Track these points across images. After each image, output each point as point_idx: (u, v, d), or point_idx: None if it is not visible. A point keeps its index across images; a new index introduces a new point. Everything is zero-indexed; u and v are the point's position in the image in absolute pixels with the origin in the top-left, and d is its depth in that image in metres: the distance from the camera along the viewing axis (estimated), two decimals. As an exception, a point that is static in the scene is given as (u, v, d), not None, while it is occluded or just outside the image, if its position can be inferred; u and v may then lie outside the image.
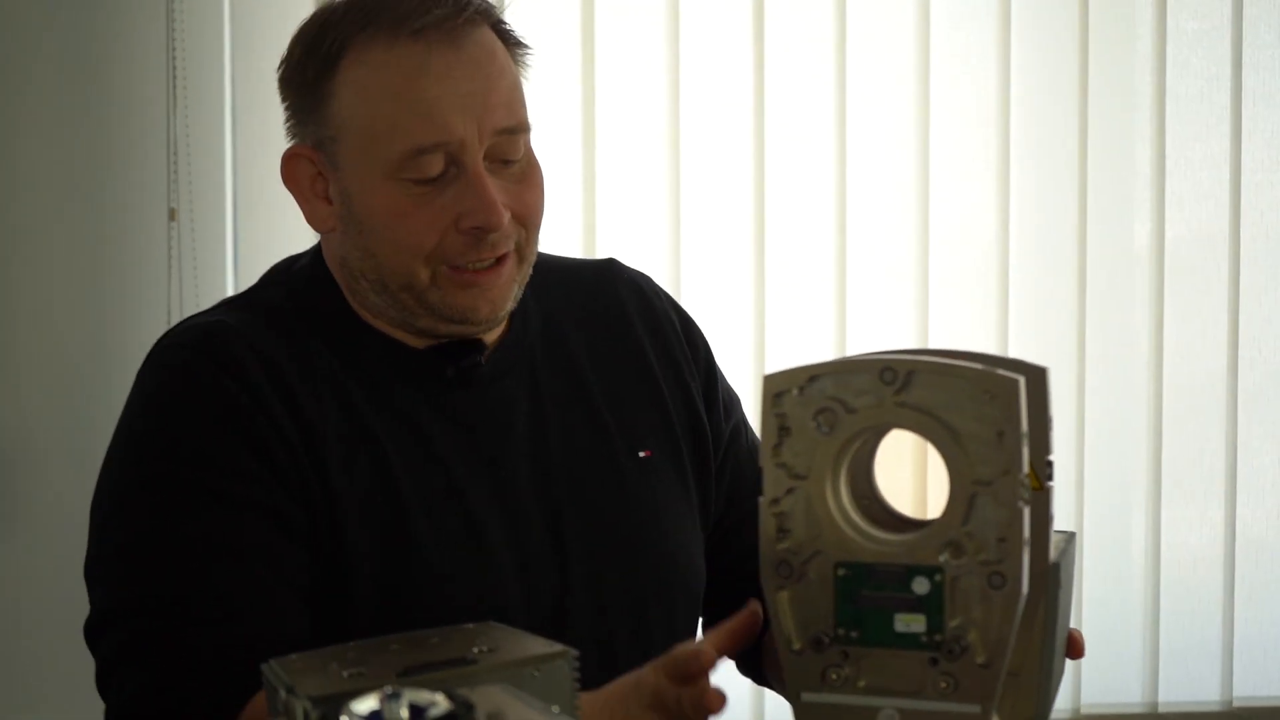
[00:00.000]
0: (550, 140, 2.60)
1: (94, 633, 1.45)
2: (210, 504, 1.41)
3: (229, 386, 1.43)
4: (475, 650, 1.14)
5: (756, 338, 2.87)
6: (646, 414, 1.61)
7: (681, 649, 1.23)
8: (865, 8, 2.89)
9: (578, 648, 1.15)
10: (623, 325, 1.65)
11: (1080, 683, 2.95)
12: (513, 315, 1.58)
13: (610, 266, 1.70)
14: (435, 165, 1.45)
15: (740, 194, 2.88)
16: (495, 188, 1.46)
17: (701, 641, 1.25)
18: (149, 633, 1.39)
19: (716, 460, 1.66)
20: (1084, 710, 2.98)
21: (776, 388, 1.18)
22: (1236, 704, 3.03)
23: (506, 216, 1.46)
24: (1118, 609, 2.99)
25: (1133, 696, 3.00)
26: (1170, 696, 3.01)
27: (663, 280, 2.70)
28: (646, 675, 1.26)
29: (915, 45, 2.89)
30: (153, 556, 1.41)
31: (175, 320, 2.63)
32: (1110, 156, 2.94)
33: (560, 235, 2.69)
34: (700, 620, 1.72)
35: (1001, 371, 1.14)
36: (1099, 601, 2.97)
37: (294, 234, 2.64)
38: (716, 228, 2.87)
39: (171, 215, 2.67)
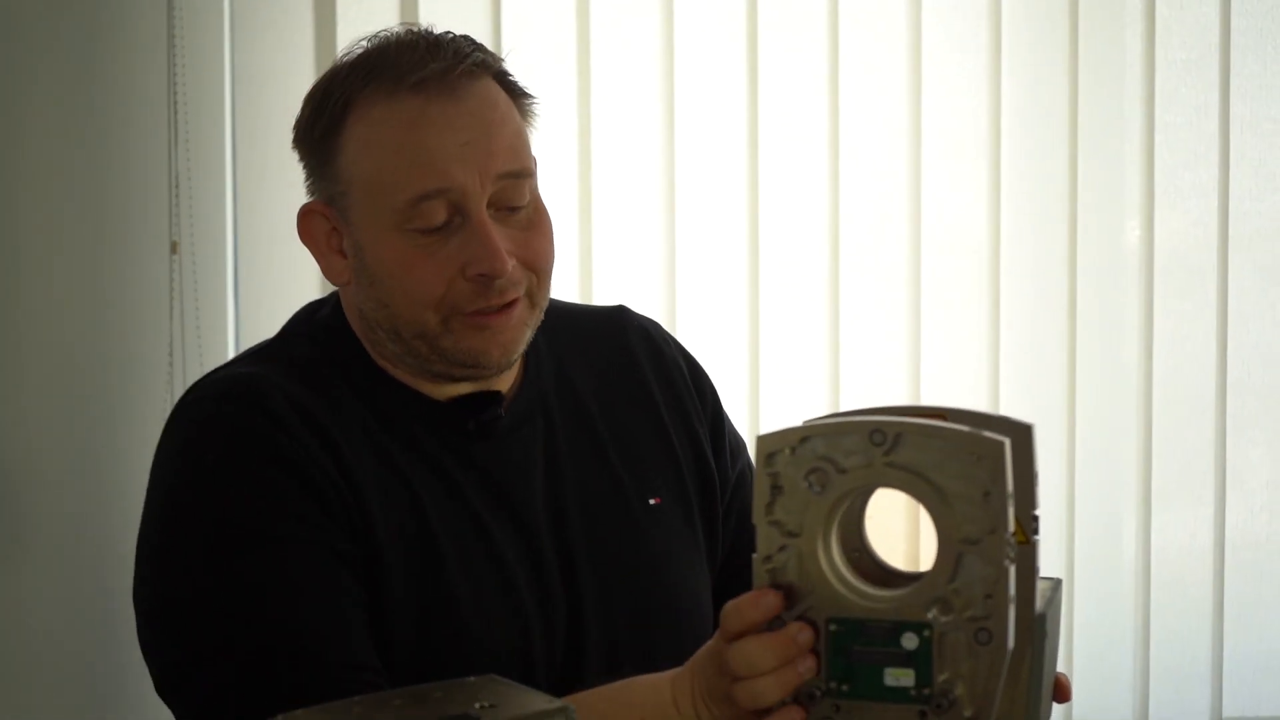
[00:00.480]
0: (544, 169, 2.62)
1: (174, 683, 1.46)
2: (278, 546, 1.43)
3: (275, 435, 1.45)
4: (478, 705, 1.16)
5: (751, 361, 2.90)
6: (657, 462, 1.64)
7: (729, 604, 1.22)
8: (857, 38, 2.91)
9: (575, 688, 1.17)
10: (633, 372, 1.68)
11: (1071, 701, 2.96)
12: (526, 362, 1.61)
13: (620, 314, 1.73)
14: (438, 214, 1.47)
15: (735, 210, 2.90)
16: (501, 235, 1.48)
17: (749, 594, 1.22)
18: (240, 679, 1.41)
19: (723, 505, 1.69)
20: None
21: (769, 448, 1.21)
22: (1226, 723, 3.06)
23: (511, 263, 1.48)
24: (1108, 629, 3.01)
25: (1124, 716, 3.02)
26: (1161, 714, 3.04)
27: (657, 309, 2.76)
28: (712, 642, 1.27)
29: (907, 80, 2.91)
30: (230, 602, 1.42)
31: (177, 353, 2.67)
32: (1100, 185, 2.96)
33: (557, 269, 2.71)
34: None
35: (988, 434, 1.17)
36: (1089, 622, 3.00)
37: (296, 268, 2.68)
38: (711, 258, 2.90)
39: (173, 248, 2.69)
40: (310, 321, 1.61)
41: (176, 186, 2.69)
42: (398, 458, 1.51)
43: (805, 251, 2.92)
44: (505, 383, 1.59)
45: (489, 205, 1.49)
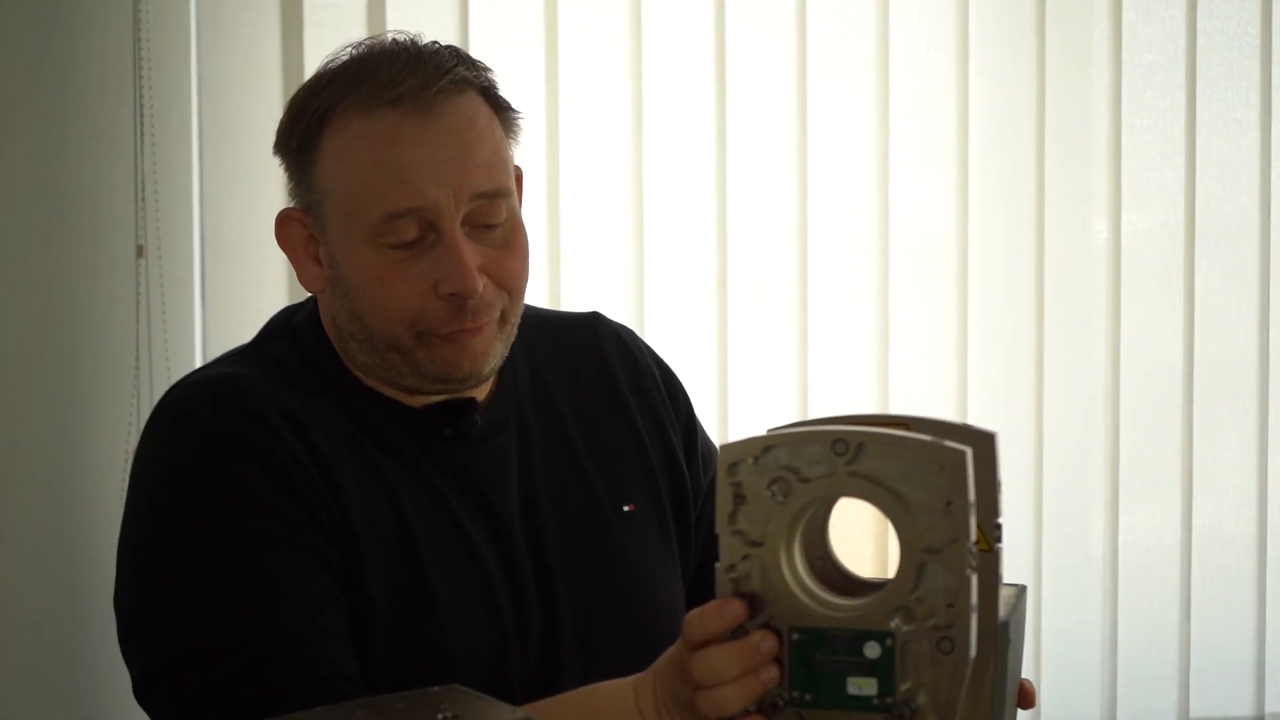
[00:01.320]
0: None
1: (152, 684, 1.45)
2: (259, 548, 1.43)
3: (256, 435, 1.45)
4: (440, 717, 1.16)
5: (719, 366, 2.90)
6: (631, 468, 1.65)
7: (692, 612, 1.22)
8: (825, 39, 2.91)
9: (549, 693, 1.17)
10: (607, 379, 1.68)
11: (1040, 705, 2.98)
12: (502, 369, 1.60)
13: (595, 320, 1.73)
14: (410, 230, 1.47)
15: (702, 213, 2.91)
16: (475, 253, 1.48)
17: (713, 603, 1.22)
18: (216, 681, 1.40)
19: (695, 511, 1.69)
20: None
21: (732, 457, 1.21)
22: (1193, 722, 3.07)
23: (483, 283, 1.48)
24: (1076, 629, 3.02)
25: (1092, 716, 3.03)
26: (1128, 716, 3.05)
27: (625, 314, 2.76)
28: (674, 648, 1.27)
29: (875, 81, 2.92)
30: (208, 604, 1.42)
31: (143, 357, 2.66)
32: (1067, 186, 2.98)
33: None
34: None
35: (949, 443, 1.18)
36: (1056, 622, 3.01)
37: (263, 271, 2.67)
38: (678, 258, 2.90)
39: (139, 252, 2.67)
40: (288, 325, 1.61)
41: (143, 190, 2.68)
42: (378, 460, 1.51)
43: (772, 254, 2.93)
44: (481, 391, 1.59)
45: (464, 223, 1.48)
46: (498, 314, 1.52)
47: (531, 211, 2.73)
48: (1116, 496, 3.02)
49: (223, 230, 2.74)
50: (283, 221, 1.55)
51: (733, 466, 1.21)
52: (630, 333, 1.75)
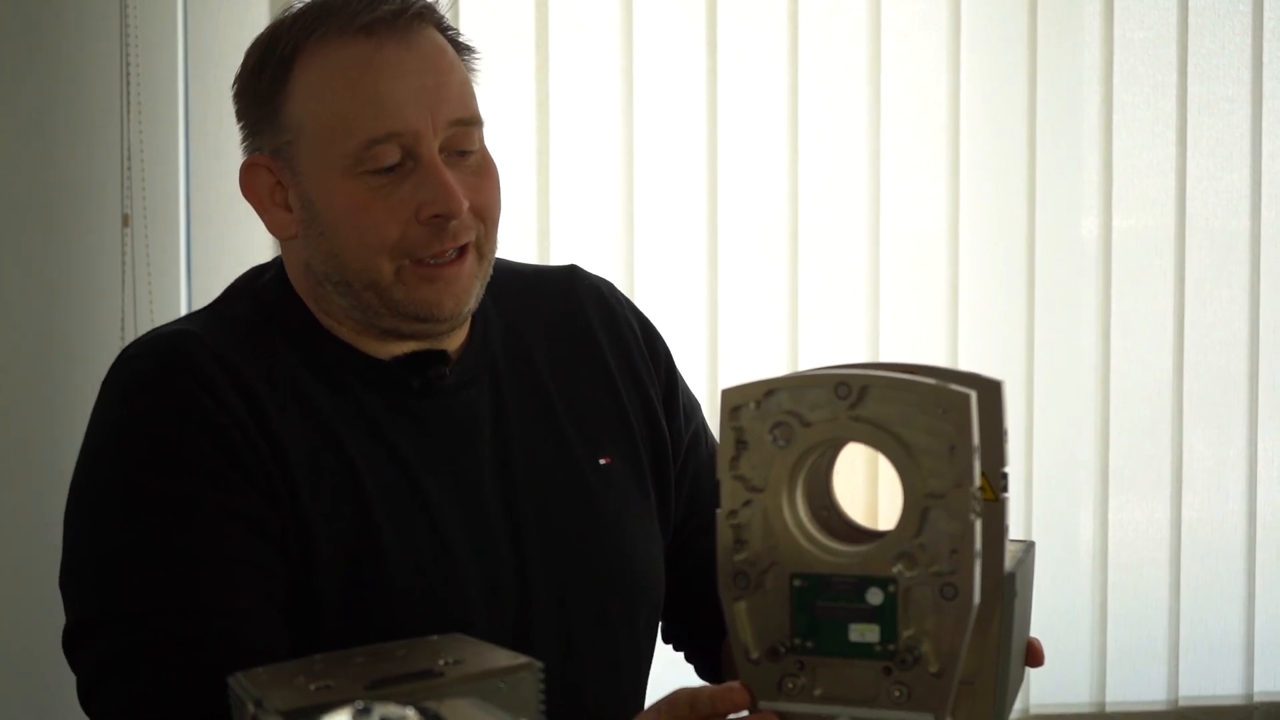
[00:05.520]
0: (506, 145, 2.63)
1: (73, 644, 1.43)
2: (190, 511, 1.41)
3: (198, 395, 1.43)
4: (442, 663, 1.15)
5: (710, 339, 2.88)
6: (607, 422, 1.62)
7: (688, 689, 1.23)
8: (817, 13, 2.90)
9: (541, 658, 1.15)
10: (584, 332, 1.66)
11: (1029, 683, 2.98)
12: (474, 323, 1.58)
13: (572, 273, 1.71)
14: (391, 155, 1.45)
15: (693, 193, 2.89)
16: (453, 178, 1.47)
17: (703, 688, 1.23)
18: (134, 645, 1.38)
19: (676, 467, 1.67)
20: (1033, 710, 3.00)
21: (734, 402, 1.20)
22: (1182, 703, 3.06)
23: (466, 204, 1.47)
24: (1066, 610, 3.01)
25: (1081, 697, 3.02)
26: (1117, 697, 3.04)
27: (615, 270, 2.74)
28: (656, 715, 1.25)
29: (866, 56, 2.91)
30: (134, 565, 1.40)
31: (129, 326, 2.64)
32: (1058, 164, 2.97)
33: (516, 241, 2.70)
34: (663, 626, 1.73)
35: (954, 386, 1.16)
36: (1046, 603, 2.99)
37: (249, 239, 2.65)
38: (670, 233, 2.89)
39: (125, 221, 2.66)
40: (252, 284, 1.58)
41: (128, 159, 2.66)
42: (332, 418, 1.49)
43: (762, 251, 2.92)
44: (452, 343, 1.57)
45: (440, 150, 1.47)
46: (474, 243, 1.50)
47: (520, 169, 2.72)
48: (1106, 488, 3.01)
49: (209, 199, 2.72)
50: (248, 170, 1.52)
51: (734, 411, 1.20)
52: (609, 285, 1.73)
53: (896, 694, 1.17)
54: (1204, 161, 2.99)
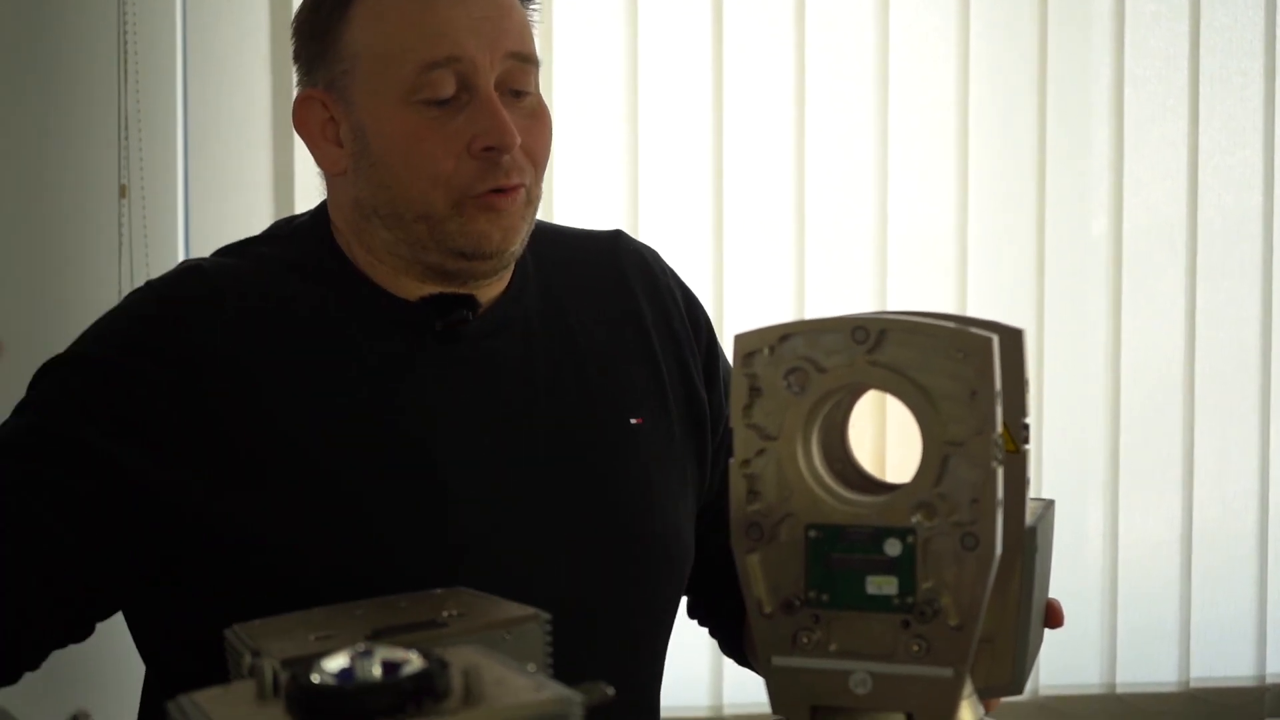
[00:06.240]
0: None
1: None
2: (28, 449, 1.39)
3: (124, 359, 1.42)
4: (445, 614, 1.12)
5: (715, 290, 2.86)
6: (642, 385, 1.60)
7: None
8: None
9: (554, 621, 1.13)
10: (623, 295, 1.64)
11: (1039, 665, 2.94)
12: (511, 278, 1.57)
13: (616, 238, 1.70)
14: (447, 85, 1.44)
15: (702, 187, 2.86)
16: (507, 115, 1.46)
17: None
18: None
19: (715, 440, 1.64)
20: (1043, 692, 2.97)
21: (747, 347, 1.16)
22: (1194, 685, 3.03)
23: (519, 140, 1.46)
24: (1076, 592, 2.98)
25: (1091, 679, 2.99)
26: (1128, 678, 3.01)
27: (620, 222, 2.70)
28: None
29: (875, 31, 2.88)
30: None
31: (126, 298, 2.60)
32: (1067, 140, 2.94)
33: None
34: (687, 602, 1.69)
35: (975, 330, 1.13)
36: (1057, 584, 2.96)
37: (249, 209, 2.62)
38: (674, 226, 2.85)
39: (122, 192, 2.63)
40: (288, 226, 1.59)
41: (126, 129, 2.63)
42: (333, 356, 1.47)
43: (769, 255, 2.88)
44: (487, 292, 1.54)
45: (496, 87, 1.46)
46: (525, 186, 1.49)
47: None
48: (1117, 485, 2.98)
49: (207, 170, 2.69)
50: (302, 104, 1.52)
51: (748, 357, 1.16)
52: (653, 253, 1.71)
53: (915, 648, 1.13)
54: (1216, 136, 2.96)
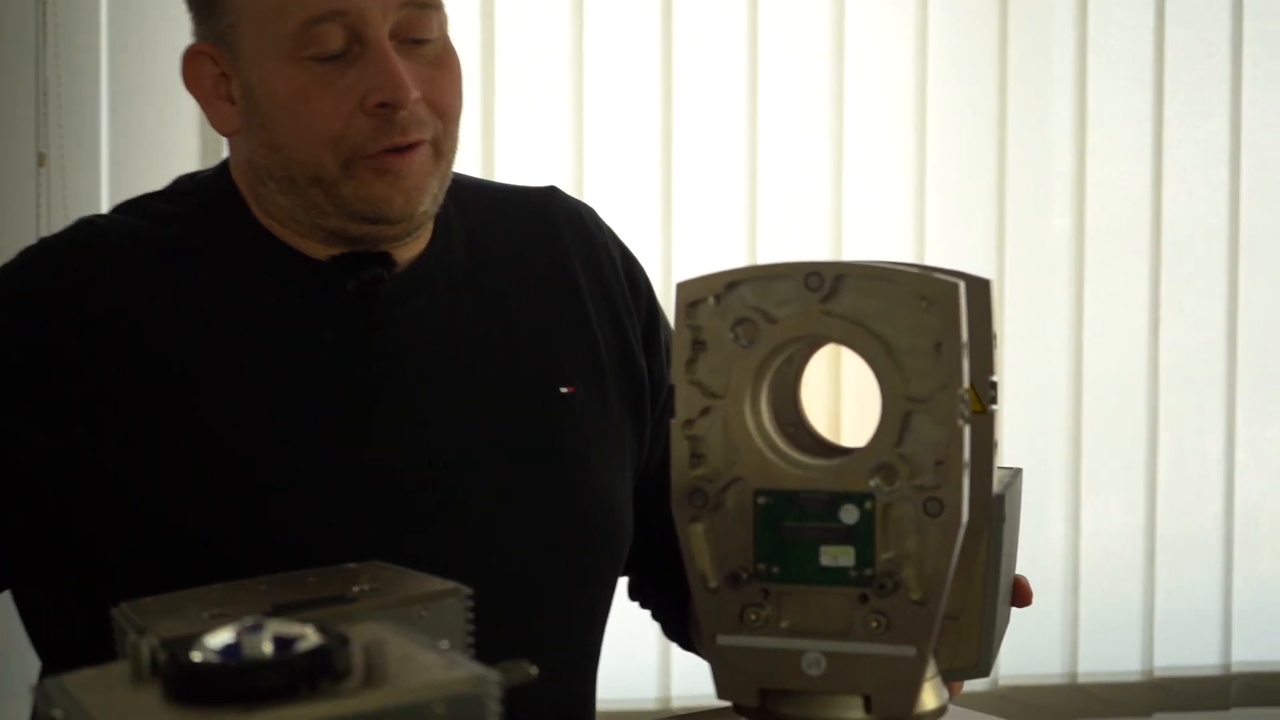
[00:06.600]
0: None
1: None
2: None
3: (35, 303, 1.36)
4: (356, 589, 1.03)
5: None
6: (574, 350, 1.51)
7: None
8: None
9: (479, 604, 1.03)
10: (556, 255, 1.54)
11: (999, 658, 2.86)
12: (433, 235, 1.48)
13: (550, 194, 1.60)
14: (334, 38, 1.34)
15: (650, 153, 2.79)
16: (404, 68, 1.36)
17: None
18: None
19: (655, 408, 1.55)
20: (1003, 682, 2.92)
21: (691, 296, 1.07)
22: (1158, 674, 2.98)
23: (415, 94, 1.36)
24: (1037, 579, 2.90)
25: (1053, 668, 2.94)
26: (1090, 667, 2.96)
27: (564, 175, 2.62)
28: None
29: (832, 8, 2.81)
30: None
31: (45, 271, 2.51)
32: (1030, 112, 2.88)
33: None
34: (628, 582, 1.61)
35: (939, 275, 1.04)
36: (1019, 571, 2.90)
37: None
38: (625, 181, 2.78)
39: (41, 161, 2.55)
40: (191, 181, 1.50)
41: (45, 95, 2.55)
42: (231, 320, 1.38)
43: (720, 237, 2.80)
44: (406, 252, 1.45)
45: (392, 36, 1.36)
46: (430, 139, 1.39)
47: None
48: (1079, 482, 2.93)
49: (131, 137, 2.61)
50: (191, 59, 1.42)
51: (691, 307, 1.07)
52: (590, 210, 1.62)
53: (874, 624, 1.04)
54: (1181, 110, 2.90)
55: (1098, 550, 2.95)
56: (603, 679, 1.56)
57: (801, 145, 2.82)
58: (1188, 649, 2.99)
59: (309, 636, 0.79)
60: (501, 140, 2.73)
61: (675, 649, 1.68)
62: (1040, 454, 2.92)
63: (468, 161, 2.56)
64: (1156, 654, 2.97)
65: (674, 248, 2.78)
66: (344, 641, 0.80)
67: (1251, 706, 3.00)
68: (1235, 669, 3.00)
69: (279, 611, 0.97)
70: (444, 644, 0.88)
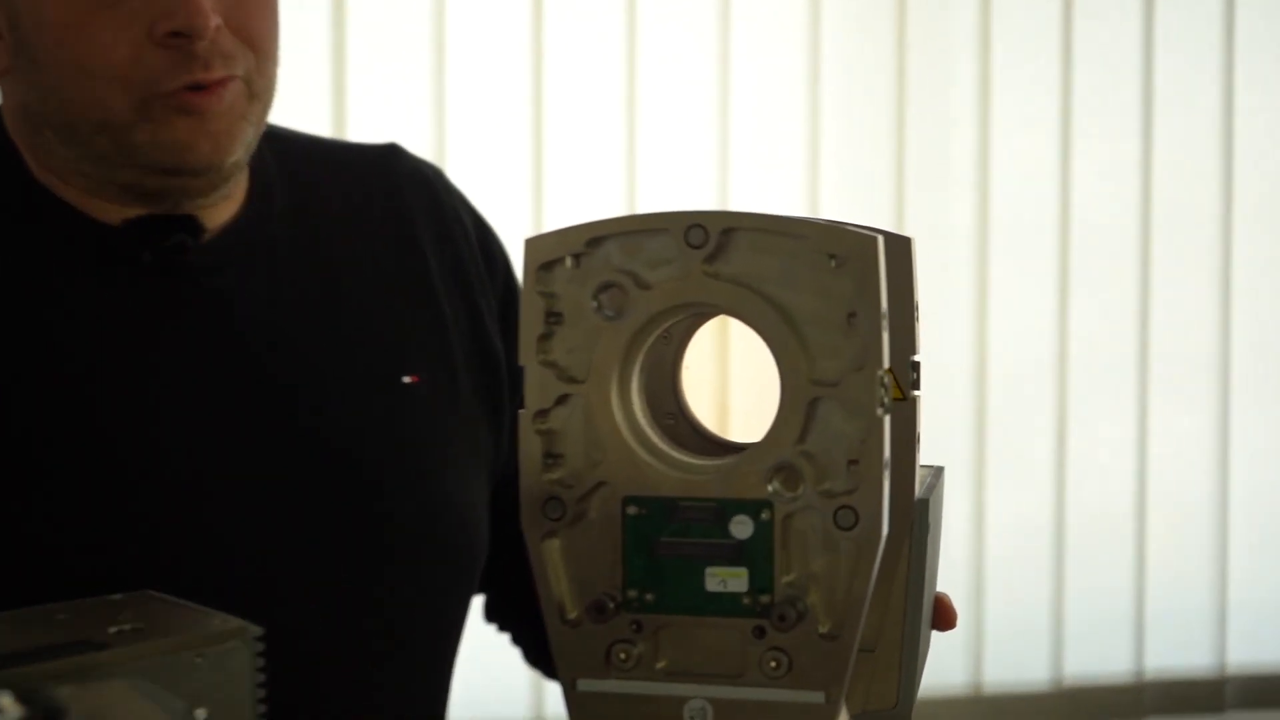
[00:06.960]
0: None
1: None
2: None
3: None
4: (114, 630, 0.81)
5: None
6: (417, 332, 1.32)
7: None
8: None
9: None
10: (399, 224, 1.35)
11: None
12: (250, 196, 1.27)
13: (391, 153, 1.41)
14: None
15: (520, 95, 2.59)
16: None
17: None
18: None
19: (515, 400, 1.34)
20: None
21: (543, 255, 0.87)
22: (1067, 684, 2.87)
23: (215, 21, 1.16)
24: (944, 588, 2.79)
25: (955, 678, 2.81)
26: (995, 678, 2.83)
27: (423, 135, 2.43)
28: None
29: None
30: None
31: None
32: (929, 82, 2.72)
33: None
34: (485, 600, 1.43)
35: (854, 228, 0.84)
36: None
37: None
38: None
39: None
40: None
41: None
42: (38, 304, 1.19)
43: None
44: (216, 216, 1.24)
45: None
46: (241, 77, 1.19)
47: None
48: (983, 481, 2.80)
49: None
50: None
51: (544, 270, 0.87)
52: (437, 171, 1.43)
53: (773, 665, 0.85)
54: (1091, 79, 2.75)
55: (1003, 553, 2.83)
56: (469, 697, 1.35)
57: (685, 113, 2.66)
58: (1098, 658, 2.88)
59: (5, 710, 0.59)
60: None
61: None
62: (942, 449, 2.76)
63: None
64: (1066, 662, 2.87)
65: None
66: (55, 714, 0.59)
67: (1164, 714, 2.90)
68: (1150, 676, 2.89)
69: (5, 662, 0.75)
70: (200, 714, 0.67)
